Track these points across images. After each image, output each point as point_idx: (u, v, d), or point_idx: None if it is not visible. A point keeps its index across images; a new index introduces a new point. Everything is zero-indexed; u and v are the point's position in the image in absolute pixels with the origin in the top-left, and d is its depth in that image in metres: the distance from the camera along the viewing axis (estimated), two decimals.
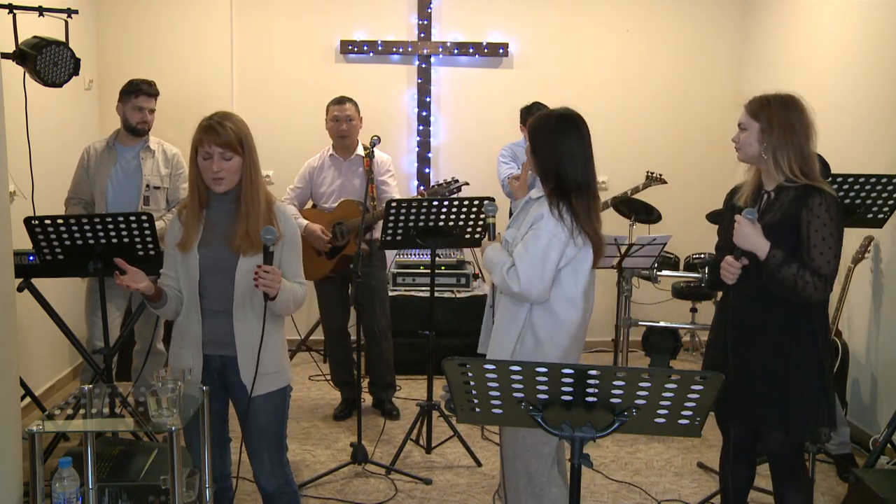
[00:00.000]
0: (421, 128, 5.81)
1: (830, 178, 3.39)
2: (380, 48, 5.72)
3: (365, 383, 4.96)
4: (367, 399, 4.68)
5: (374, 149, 4.04)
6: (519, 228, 2.63)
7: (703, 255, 5.17)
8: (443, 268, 5.36)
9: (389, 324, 4.52)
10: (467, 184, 4.21)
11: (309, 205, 4.48)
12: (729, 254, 2.54)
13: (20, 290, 3.27)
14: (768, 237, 2.45)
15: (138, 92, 4.02)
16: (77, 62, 3.40)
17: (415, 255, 5.44)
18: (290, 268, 2.58)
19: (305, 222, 4.21)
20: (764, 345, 2.53)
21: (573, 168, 2.55)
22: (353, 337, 4.84)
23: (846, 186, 3.50)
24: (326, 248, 4.22)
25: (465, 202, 3.71)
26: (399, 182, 4.92)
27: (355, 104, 4.38)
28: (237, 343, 2.52)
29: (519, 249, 2.56)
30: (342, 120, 4.30)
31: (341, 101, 4.34)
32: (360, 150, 4.38)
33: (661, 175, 5.06)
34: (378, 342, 4.47)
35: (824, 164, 3.26)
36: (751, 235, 2.46)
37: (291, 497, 2.68)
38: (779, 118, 2.49)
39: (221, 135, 2.43)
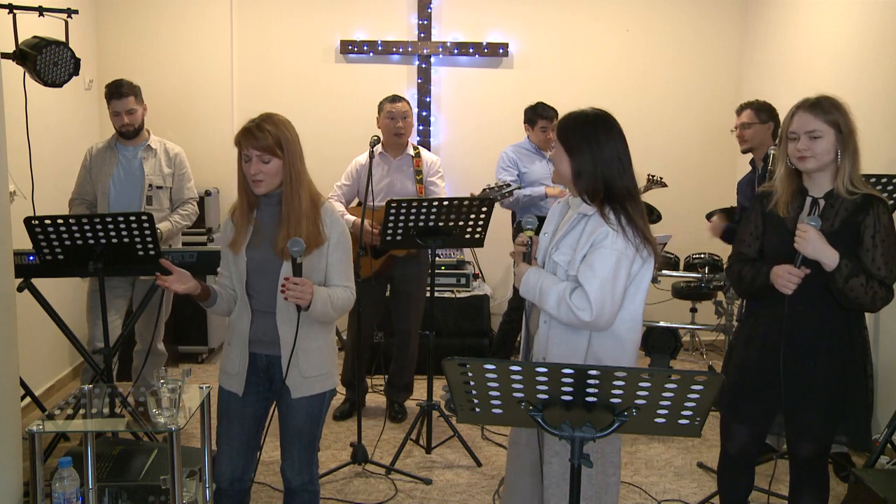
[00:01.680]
0: (421, 128, 5.81)
1: None
2: (380, 48, 5.73)
3: (369, 383, 4.97)
4: (367, 399, 4.68)
5: (423, 149, 3.99)
6: (575, 249, 2.33)
7: (703, 255, 5.17)
8: (443, 268, 5.36)
9: (419, 326, 4.47)
10: (520, 187, 4.17)
11: (354, 203, 4.45)
12: (771, 262, 2.47)
13: (20, 290, 3.27)
14: None
15: (109, 96, 4.00)
16: (77, 62, 3.40)
17: None
18: (337, 270, 2.54)
19: (353, 218, 4.17)
20: (820, 354, 2.48)
21: (621, 173, 2.31)
22: (380, 339, 4.86)
23: None
24: (376, 241, 4.12)
25: (465, 202, 3.71)
26: None
27: (408, 102, 4.36)
28: (281, 344, 2.51)
29: (585, 272, 2.28)
30: (398, 117, 4.26)
31: (396, 98, 4.31)
32: (410, 150, 4.38)
33: (661, 178, 5.06)
34: (406, 341, 4.44)
35: None
36: (818, 244, 2.36)
37: (312, 495, 2.69)
38: (849, 123, 2.40)
39: (259, 138, 2.44)
